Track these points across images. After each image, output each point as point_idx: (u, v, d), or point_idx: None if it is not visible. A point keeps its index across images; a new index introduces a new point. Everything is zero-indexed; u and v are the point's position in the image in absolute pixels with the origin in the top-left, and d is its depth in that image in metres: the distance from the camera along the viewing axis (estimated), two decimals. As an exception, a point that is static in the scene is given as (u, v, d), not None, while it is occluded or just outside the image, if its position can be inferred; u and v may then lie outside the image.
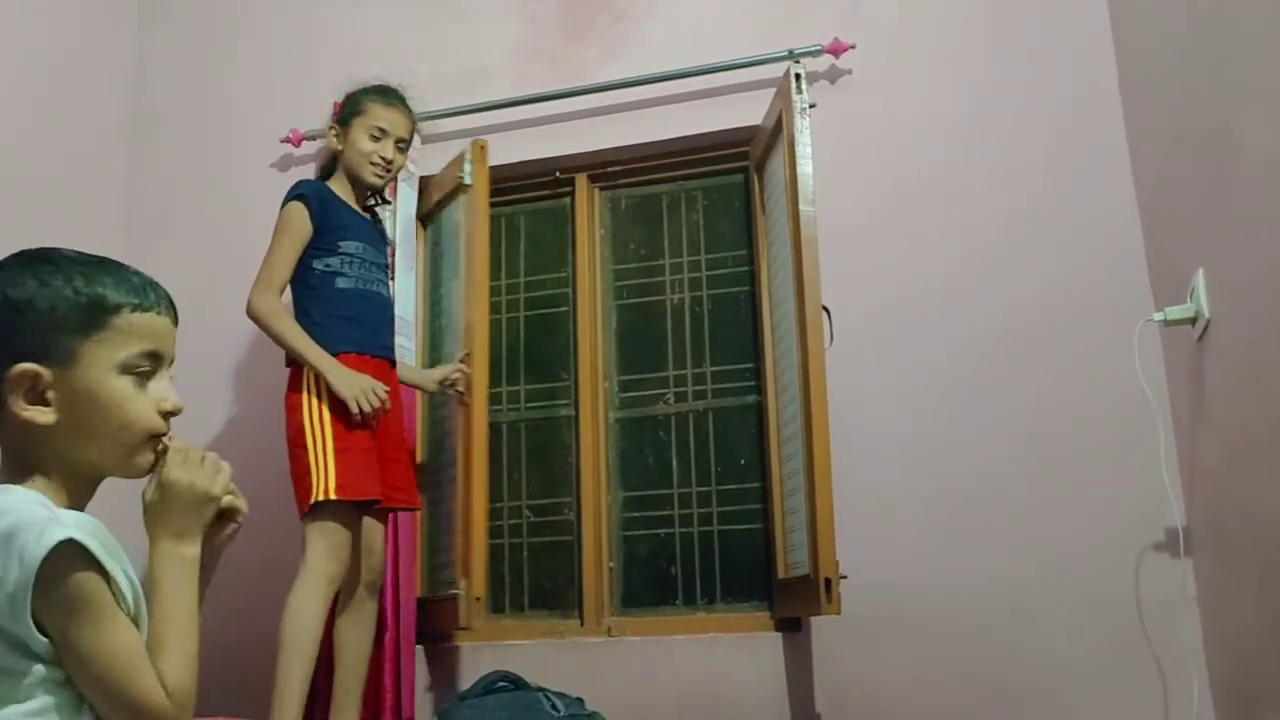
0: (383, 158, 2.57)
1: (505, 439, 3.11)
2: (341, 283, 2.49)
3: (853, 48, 2.89)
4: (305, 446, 2.36)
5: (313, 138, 3.23)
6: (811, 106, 2.60)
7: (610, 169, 3.17)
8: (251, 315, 2.42)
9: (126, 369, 1.13)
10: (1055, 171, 2.74)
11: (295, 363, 2.44)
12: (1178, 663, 2.40)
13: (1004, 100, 2.82)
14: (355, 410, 2.36)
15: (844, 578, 2.35)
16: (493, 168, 2.97)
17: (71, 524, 1.02)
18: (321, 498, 2.31)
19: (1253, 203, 1.97)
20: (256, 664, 2.34)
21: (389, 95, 2.63)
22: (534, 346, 3.17)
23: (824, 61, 2.93)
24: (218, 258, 3.27)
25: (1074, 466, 2.57)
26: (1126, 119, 2.71)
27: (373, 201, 2.69)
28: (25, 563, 0.98)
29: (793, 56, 2.83)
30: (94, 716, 1.04)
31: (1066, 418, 2.60)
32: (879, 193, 2.84)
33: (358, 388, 2.37)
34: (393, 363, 2.58)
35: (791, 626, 2.69)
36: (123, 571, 1.07)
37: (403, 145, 2.62)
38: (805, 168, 2.53)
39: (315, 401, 2.39)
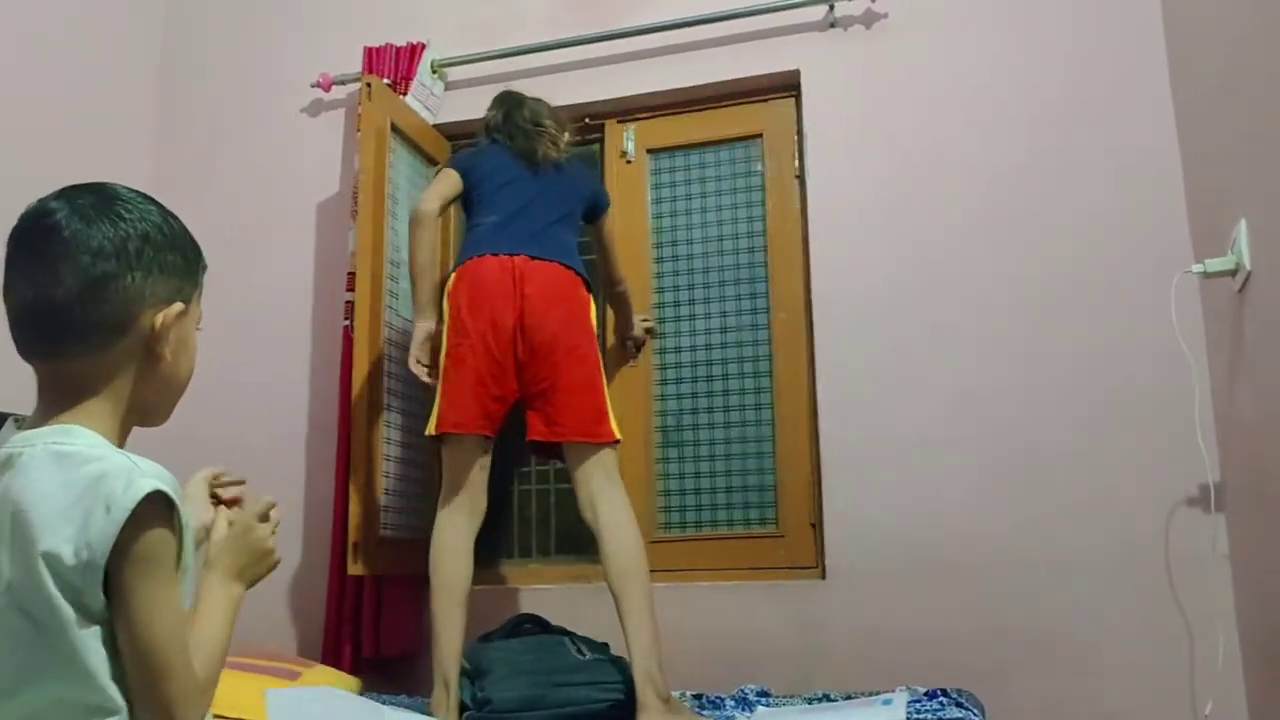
0: None
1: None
2: None
3: (888, -10, 2.83)
4: (598, 364, 2.37)
5: (342, 82, 3.21)
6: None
7: (643, 116, 3.13)
8: None
9: (198, 324, 1.16)
10: (1096, 119, 2.67)
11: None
12: (1207, 619, 2.38)
13: (1045, 45, 2.75)
14: None
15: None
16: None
17: (154, 475, 1.00)
18: (620, 436, 2.38)
19: (1300, 150, 1.92)
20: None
21: None
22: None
23: (859, 5, 2.87)
24: (248, 204, 3.28)
25: (1108, 420, 2.54)
26: (1171, 65, 2.64)
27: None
28: (112, 512, 0.96)
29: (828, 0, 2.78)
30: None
31: (1102, 370, 2.57)
32: (915, 141, 2.79)
33: None
34: None
35: (819, 574, 2.69)
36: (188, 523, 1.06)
37: None
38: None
39: (596, 312, 2.43)
